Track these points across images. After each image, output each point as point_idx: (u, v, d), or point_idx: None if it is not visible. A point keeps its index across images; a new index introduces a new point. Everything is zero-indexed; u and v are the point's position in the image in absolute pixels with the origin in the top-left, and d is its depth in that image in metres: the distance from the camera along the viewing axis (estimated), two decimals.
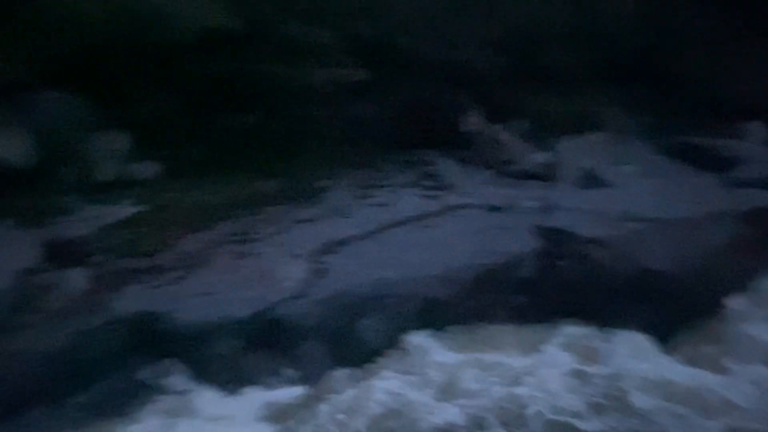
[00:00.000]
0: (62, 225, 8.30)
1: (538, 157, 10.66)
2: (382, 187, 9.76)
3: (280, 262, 8.34)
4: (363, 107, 10.44)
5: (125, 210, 8.78)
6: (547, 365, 7.40)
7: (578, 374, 7.30)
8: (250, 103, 9.92)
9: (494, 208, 9.50)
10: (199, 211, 9.04)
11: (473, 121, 10.88)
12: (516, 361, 7.44)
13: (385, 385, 7.14)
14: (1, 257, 7.38)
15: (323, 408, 6.90)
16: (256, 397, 7.22)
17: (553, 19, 11.44)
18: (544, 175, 10.43)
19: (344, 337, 7.53)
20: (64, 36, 8.63)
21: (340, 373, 7.31)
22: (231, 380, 7.32)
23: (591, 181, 10.42)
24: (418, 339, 7.66)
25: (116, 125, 9.41)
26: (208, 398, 7.17)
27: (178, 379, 7.28)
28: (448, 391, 7.12)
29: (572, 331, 7.89)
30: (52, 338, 7.04)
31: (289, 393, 7.23)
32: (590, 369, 7.38)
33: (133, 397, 7.03)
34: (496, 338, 7.82)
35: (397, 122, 10.31)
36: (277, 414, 7.02)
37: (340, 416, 6.81)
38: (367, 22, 10.74)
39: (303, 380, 7.29)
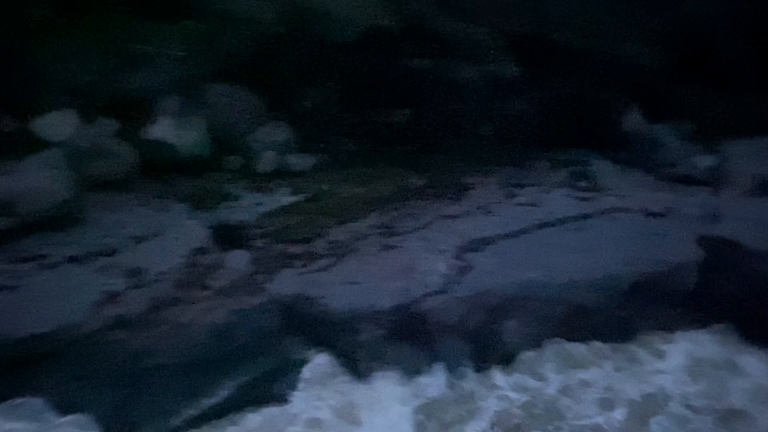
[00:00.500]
0: (228, 210, 9.00)
1: (702, 161, 9.94)
2: (531, 186, 9.58)
3: (424, 256, 8.46)
4: (515, 103, 10.30)
5: (283, 199, 9.34)
6: None
7: None
8: (402, 99, 10.14)
9: (652, 214, 8.99)
10: (349, 203, 9.42)
11: (632, 120, 10.35)
12: None
13: (520, 385, 7.08)
14: (175, 237, 8.11)
15: (459, 403, 6.96)
16: (395, 387, 7.42)
17: (722, 12, 10.56)
18: (708, 181, 9.71)
19: (484, 336, 7.50)
20: (238, 34, 9.33)
21: (478, 372, 7.33)
22: (372, 368, 7.58)
23: (761, 188, 9.54)
24: (558, 346, 7.48)
25: (279, 118, 10.01)
26: (350, 384, 7.46)
27: (323, 362, 7.66)
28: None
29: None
30: (215, 314, 7.66)
31: (428, 386, 7.37)
32: None
33: (282, 376, 7.49)
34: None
35: (551, 119, 10.06)
36: (416, 405, 7.17)
37: (474, 413, 6.84)
38: (522, 16, 10.54)
39: (442, 375, 7.39)
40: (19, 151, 7.89)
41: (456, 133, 9.91)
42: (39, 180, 7.63)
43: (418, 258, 8.43)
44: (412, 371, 7.53)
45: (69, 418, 6.36)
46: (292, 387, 7.39)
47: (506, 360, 7.61)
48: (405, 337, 7.67)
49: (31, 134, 8.18)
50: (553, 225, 8.81)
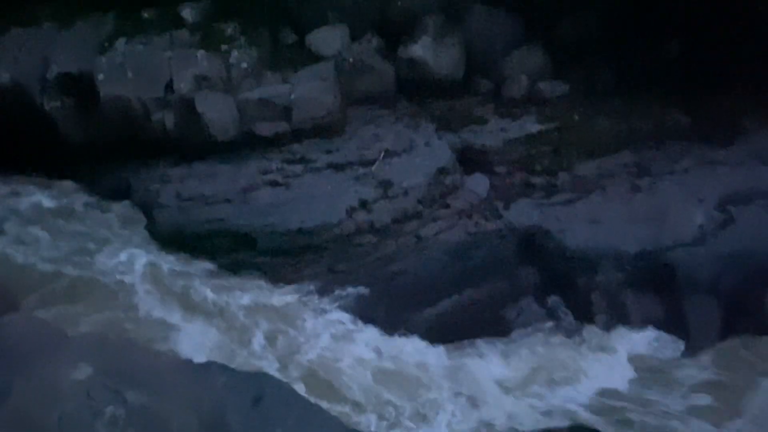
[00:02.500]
0: (473, 133, 9.06)
1: None
2: None
3: (680, 203, 7.80)
4: None
5: (530, 127, 9.12)
6: None
7: None
8: (674, 28, 9.12)
9: None
10: (599, 136, 8.92)
11: None
12: None
13: None
14: (423, 155, 8.43)
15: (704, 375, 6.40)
16: (625, 338, 7.07)
17: None
18: None
19: (744, 302, 6.76)
20: None
21: (722, 340, 6.65)
22: (608, 314, 7.33)
23: None
24: None
25: (535, 43, 9.66)
26: (582, 329, 7.25)
27: (550, 299, 7.57)
28: None
29: None
30: (453, 232, 7.94)
31: (670, 348, 6.89)
32: None
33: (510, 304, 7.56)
34: None
35: None
36: (643, 364, 6.77)
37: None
38: None
39: (685, 337, 6.86)
40: (296, 62, 8.68)
41: (736, 69, 8.69)
42: (311, 90, 8.37)
43: (672, 204, 7.82)
44: (647, 324, 7.15)
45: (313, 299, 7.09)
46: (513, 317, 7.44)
47: (762, 331, 6.82)
48: (648, 287, 7.27)
49: (306, 47, 8.91)
50: None
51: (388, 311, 6.92)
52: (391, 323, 6.79)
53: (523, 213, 8.06)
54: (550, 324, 7.32)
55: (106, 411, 2.72)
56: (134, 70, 8.04)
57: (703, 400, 6.24)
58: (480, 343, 7.06)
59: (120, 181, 8.24)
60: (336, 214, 7.50)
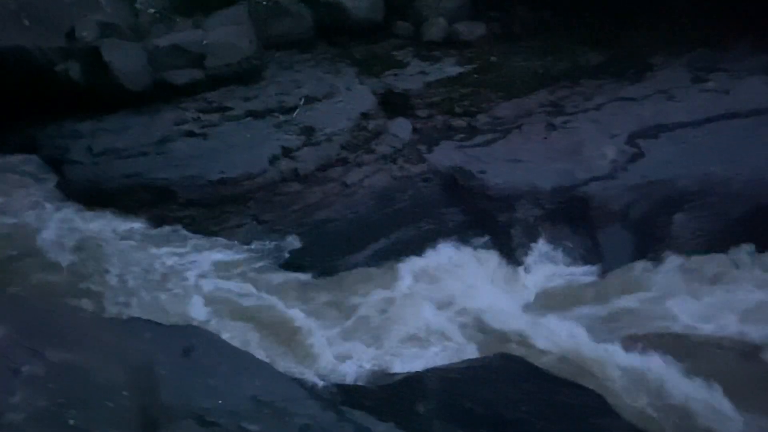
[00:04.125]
0: (394, 77, 9.03)
1: None
2: (724, 71, 8.63)
3: (594, 139, 8.08)
4: None
5: (449, 69, 9.18)
6: None
7: None
8: None
9: None
10: (517, 77, 9.08)
11: None
12: None
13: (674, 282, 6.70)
14: (345, 100, 8.36)
15: (616, 298, 6.76)
16: (543, 271, 7.35)
17: None
18: None
19: (653, 229, 7.18)
20: None
21: (640, 265, 7.04)
22: (524, 248, 7.60)
23: None
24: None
25: None
26: (499, 263, 7.46)
27: (474, 237, 7.76)
28: None
29: None
30: (378, 177, 7.97)
31: (582, 274, 7.22)
32: None
33: (431, 242, 7.69)
34: None
35: None
36: (561, 294, 7.00)
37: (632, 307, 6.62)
38: None
39: (598, 263, 7.23)
40: (208, 6, 8.34)
41: (645, 6, 8.97)
42: (225, 35, 8.09)
43: (586, 140, 8.08)
44: (565, 255, 7.47)
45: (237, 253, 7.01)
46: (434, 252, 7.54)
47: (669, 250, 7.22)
48: (565, 220, 7.57)
49: None
50: (745, 116, 7.99)
51: (316, 258, 6.92)
52: (320, 270, 6.81)
53: (445, 155, 8.15)
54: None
55: (23, 370, 2.63)
56: (31, 18, 7.52)
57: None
58: None
59: (24, 137, 7.81)
60: (258, 162, 7.37)
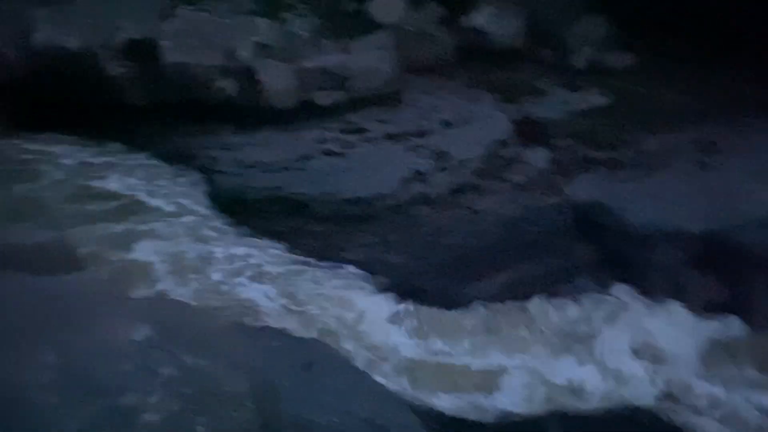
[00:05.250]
0: (533, 104, 8.86)
1: None
2: None
3: (749, 182, 7.44)
4: None
5: (593, 99, 8.86)
6: None
7: None
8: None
9: None
10: (666, 110, 8.59)
11: None
12: None
13: None
14: (481, 127, 8.30)
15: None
16: (685, 317, 6.82)
17: None
18: None
19: None
20: None
21: None
22: (663, 291, 7.10)
23: None
24: None
25: (600, 11, 9.32)
26: (635, 304, 7.05)
27: (608, 278, 7.35)
28: None
29: None
30: (509, 206, 7.82)
31: (729, 329, 6.61)
32: None
33: (560, 279, 7.38)
34: None
35: None
36: (712, 346, 6.52)
37: None
38: None
39: (749, 318, 6.57)
40: (356, 31, 8.63)
41: None
42: (369, 59, 8.33)
43: (740, 183, 7.45)
44: (709, 305, 6.88)
45: (361, 271, 7.05)
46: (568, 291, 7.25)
47: None
48: (709, 267, 6.99)
49: (365, 16, 8.85)
50: None
51: (439, 284, 6.89)
52: (442, 297, 6.76)
53: (582, 188, 7.84)
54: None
55: (163, 372, 2.81)
56: (196, 37, 8.17)
57: None
58: None
59: (181, 146, 8.46)
60: (390, 184, 7.49)
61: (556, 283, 7.34)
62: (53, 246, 4.49)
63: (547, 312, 6.77)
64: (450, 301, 6.76)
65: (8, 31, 8.40)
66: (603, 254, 7.47)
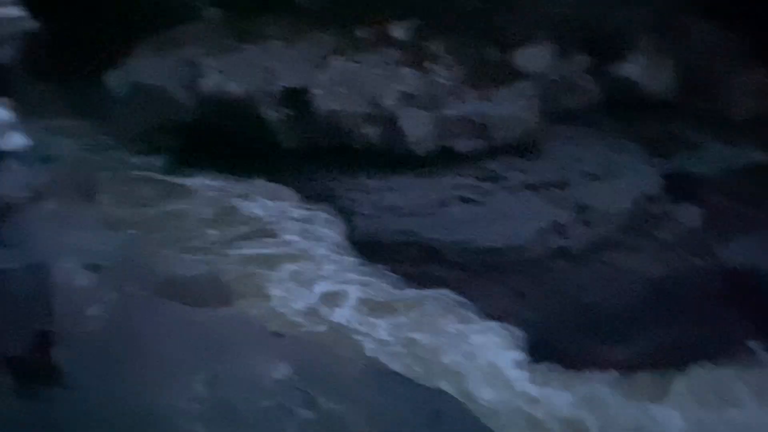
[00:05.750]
0: (686, 159, 8.37)
1: None
2: None
3: None
4: None
5: (754, 155, 8.25)
6: None
7: None
8: None
9: None
10: None
11: None
12: None
13: None
14: (628, 180, 7.95)
15: None
16: None
17: None
18: None
19: None
20: None
21: None
22: None
23: None
24: None
25: (761, 62, 8.69)
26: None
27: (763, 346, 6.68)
28: None
29: None
30: (655, 266, 7.37)
31: None
32: None
33: (711, 350, 6.78)
34: None
35: None
36: None
37: None
38: None
39: None
40: (500, 80, 8.65)
41: None
42: (511, 108, 8.29)
43: None
44: None
45: (494, 324, 6.95)
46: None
47: None
48: None
49: (510, 65, 8.85)
50: None
51: (572, 344, 6.58)
52: (576, 358, 6.45)
53: (739, 251, 7.27)
54: None
55: (300, 413, 2.91)
56: (346, 86, 8.57)
57: None
58: None
59: (325, 187, 8.85)
60: (527, 235, 7.34)
61: (703, 352, 6.80)
62: (206, 279, 4.84)
63: (690, 382, 6.28)
64: (584, 363, 6.45)
65: (181, 77, 9.30)
66: (758, 324, 6.82)
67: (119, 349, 3.38)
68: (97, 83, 9.59)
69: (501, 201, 7.83)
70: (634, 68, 8.60)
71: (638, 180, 7.96)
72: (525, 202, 7.77)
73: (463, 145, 8.25)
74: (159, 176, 9.18)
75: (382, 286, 7.21)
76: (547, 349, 6.46)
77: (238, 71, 9.12)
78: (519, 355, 6.38)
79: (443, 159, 8.26)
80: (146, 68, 9.35)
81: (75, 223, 5.10)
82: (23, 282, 2.70)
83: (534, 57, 8.71)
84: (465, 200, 7.89)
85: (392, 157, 8.36)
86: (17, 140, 2.64)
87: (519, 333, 6.61)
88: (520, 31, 8.96)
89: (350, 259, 7.63)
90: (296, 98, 8.73)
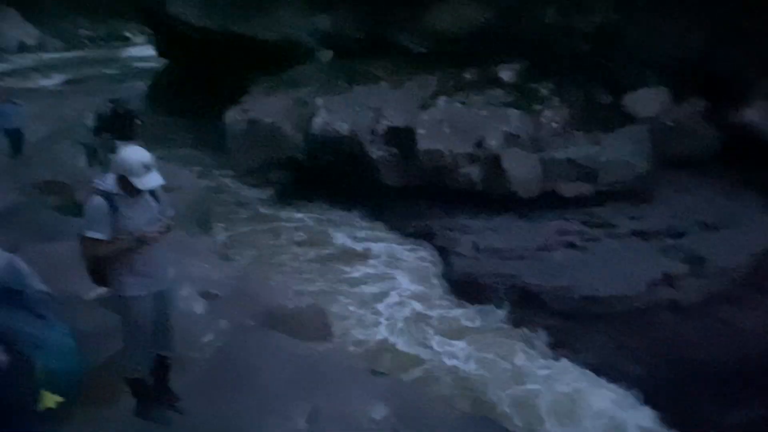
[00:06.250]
0: None
1: None
2: None
3: None
4: None
5: None
6: None
7: None
8: None
9: None
10: None
11: None
12: None
13: None
14: (746, 232, 7.47)
15: None
16: None
17: None
18: None
19: None
20: None
21: None
22: None
23: None
24: None
25: None
26: None
27: None
28: None
29: None
30: None
31: None
32: None
33: None
34: None
35: None
36: None
37: None
38: None
39: None
40: (609, 123, 8.47)
41: None
42: (621, 153, 8.07)
43: None
44: None
45: (591, 374, 6.66)
46: None
47: None
48: None
49: (621, 109, 8.64)
50: None
51: (677, 403, 6.17)
52: (679, 418, 6.04)
53: None
54: None
55: None
56: (451, 126, 8.67)
57: None
58: None
59: (424, 225, 8.91)
60: (634, 285, 7.02)
61: None
62: (311, 312, 4.99)
63: None
64: (692, 425, 6.02)
65: (293, 115, 9.78)
66: None
67: (228, 377, 3.56)
68: (216, 119, 10.28)
69: (607, 248, 7.56)
70: (753, 113, 8.16)
71: (756, 232, 7.47)
72: (633, 250, 7.46)
73: (569, 188, 8.10)
74: (269, 208, 9.65)
75: (478, 327, 7.13)
76: (650, 405, 6.11)
77: (346, 110, 9.48)
78: (621, 411, 6.07)
79: (547, 202, 8.14)
80: (261, 106, 9.92)
81: (193, 252, 5.45)
82: (149, 308, 2.92)
83: (646, 101, 8.50)
84: (569, 245, 7.69)
85: (494, 198, 8.33)
86: (156, 179, 2.89)
87: (621, 387, 6.31)
88: (631, 73, 8.76)
89: (448, 297, 7.61)
90: (400, 137, 8.94)
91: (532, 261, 7.69)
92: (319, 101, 9.50)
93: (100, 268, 2.97)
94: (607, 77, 8.92)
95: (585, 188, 8.03)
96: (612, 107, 8.66)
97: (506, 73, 9.04)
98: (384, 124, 9.02)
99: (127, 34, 26.67)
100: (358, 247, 8.53)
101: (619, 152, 8.03)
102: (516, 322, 7.31)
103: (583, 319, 7.06)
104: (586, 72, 8.88)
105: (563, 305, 7.22)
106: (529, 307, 7.40)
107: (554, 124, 8.52)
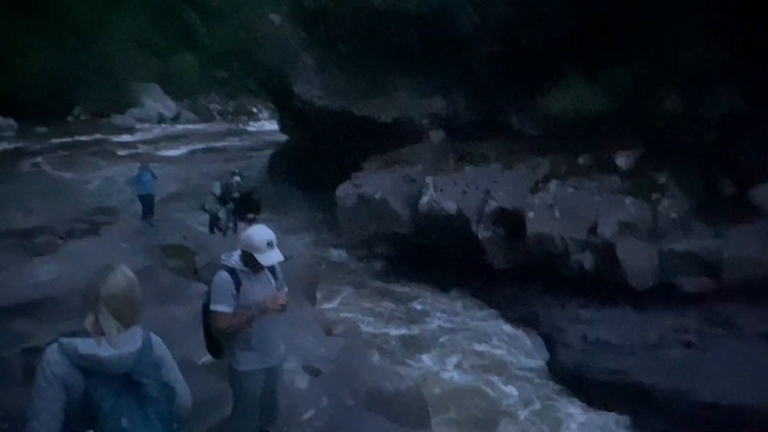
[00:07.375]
0: None
1: None
2: None
3: None
4: None
5: None
6: None
7: None
8: None
9: None
10: None
11: None
12: None
13: None
14: None
15: None
16: None
17: None
18: None
19: None
20: None
21: None
22: None
23: None
24: None
25: None
26: None
27: None
28: None
29: None
30: None
31: None
32: None
33: None
34: None
35: None
36: None
37: None
38: None
39: None
40: (733, 216, 7.97)
41: None
42: (747, 249, 7.53)
43: None
44: None
45: None
46: None
47: None
48: None
49: (747, 201, 8.13)
50: None
51: None
52: None
53: None
54: None
55: None
56: (562, 211, 8.48)
57: None
58: None
59: (530, 312, 8.63)
60: (761, 393, 6.39)
61: None
62: (409, 395, 4.91)
63: None
64: None
65: (402, 192, 9.97)
66: None
67: None
68: (330, 192, 10.66)
69: (729, 349, 6.97)
70: None
71: None
72: (759, 353, 6.83)
73: (688, 283, 7.63)
74: (375, 281, 9.75)
75: (587, 426, 6.72)
76: None
77: (455, 190, 9.53)
78: None
79: (664, 296, 7.68)
80: (373, 182, 10.18)
81: (298, 323, 5.56)
82: (260, 383, 2.99)
83: None
84: (687, 344, 7.17)
85: (607, 289, 7.96)
86: (277, 256, 3.02)
87: None
88: (758, 164, 8.26)
89: (555, 390, 7.27)
90: (509, 220, 8.82)
91: (644, 358, 7.22)
92: (428, 179, 9.62)
93: (219, 340, 3.08)
94: (732, 168, 8.46)
95: (707, 283, 7.51)
96: (736, 199, 8.16)
97: (622, 160, 8.78)
98: (492, 204, 8.97)
99: (254, 110, 28.52)
100: (460, 328, 8.39)
101: (744, 247, 7.49)
102: (627, 425, 6.84)
103: (701, 426, 6.48)
104: (708, 161, 8.48)
105: (678, 408, 6.67)
106: (641, 407, 6.91)
107: (673, 215, 8.11)
